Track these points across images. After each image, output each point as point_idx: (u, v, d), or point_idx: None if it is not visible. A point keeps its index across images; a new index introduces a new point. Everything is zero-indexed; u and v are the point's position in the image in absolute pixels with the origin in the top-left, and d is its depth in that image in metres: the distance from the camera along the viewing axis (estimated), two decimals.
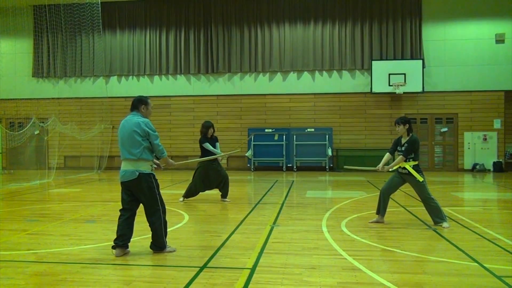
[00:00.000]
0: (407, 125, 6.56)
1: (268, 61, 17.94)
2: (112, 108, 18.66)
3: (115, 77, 18.85)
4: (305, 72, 17.84)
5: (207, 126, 8.97)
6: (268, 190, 11.22)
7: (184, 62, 18.33)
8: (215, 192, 9.28)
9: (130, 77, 18.79)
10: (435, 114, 17.31)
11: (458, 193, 10.87)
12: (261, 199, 9.64)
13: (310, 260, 4.83)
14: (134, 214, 5.20)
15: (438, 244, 5.58)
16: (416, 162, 6.53)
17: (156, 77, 18.65)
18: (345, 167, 8.63)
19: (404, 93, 16.78)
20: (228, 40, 18.11)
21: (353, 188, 11.58)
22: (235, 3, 18.05)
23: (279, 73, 17.99)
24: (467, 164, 17.09)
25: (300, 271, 4.46)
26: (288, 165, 17.37)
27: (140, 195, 5.05)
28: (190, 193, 9.09)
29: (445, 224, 6.42)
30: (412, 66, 16.78)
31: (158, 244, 5.11)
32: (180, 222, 7.03)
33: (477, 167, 16.80)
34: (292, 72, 17.92)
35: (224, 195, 9.10)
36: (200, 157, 9.05)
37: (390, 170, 6.79)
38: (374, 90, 17.01)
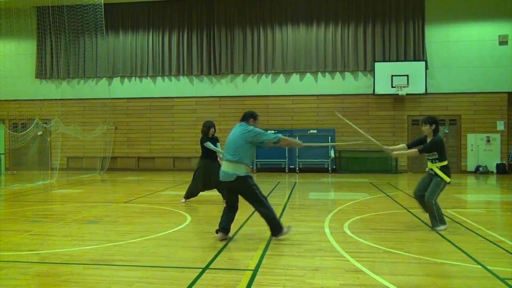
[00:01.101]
0: (434, 125, 6.46)
1: (270, 62, 17.94)
2: (115, 109, 18.69)
3: (118, 78, 18.89)
4: (308, 74, 17.84)
5: (208, 125, 8.98)
6: (271, 192, 11.20)
7: (186, 63, 18.35)
8: (217, 194, 9.27)
9: (133, 78, 18.82)
10: (438, 115, 17.20)
11: (461, 195, 10.84)
12: None
13: (313, 262, 4.81)
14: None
15: (441, 246, 5.55)
16: (444, 163, 6.42)
17: (159, 78, 18.68)
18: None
19: (407, 94, 16.74)
20: (230, 41, 18.12)
21: (356, 190, 11.55)
22: (237, 4, 18.07)
23: (281, 75, 17.99)
24: (470, 166, 17.03)
25: (302, 272, 4.45)
26: (291, 166, 17.36)
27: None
28: (191, 193, 9.09)
29: (439, 228, 6.36)
30: (415, 68, 16.74)
31: (274, 229, 5.70)
32: (182, 223, 7.03)
33: (480, 169, 16.75)
34: (294, 74, 17.91)
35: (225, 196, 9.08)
36: (201, 157, 9.04)
37: (393, 154, 6.72)
38: (377, 91, 16.99)
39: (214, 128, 9.05)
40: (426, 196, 6.43)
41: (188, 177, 14.70)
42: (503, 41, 16.90)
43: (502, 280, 4.19)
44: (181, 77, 18.51)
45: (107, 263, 4.79)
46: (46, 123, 15.86)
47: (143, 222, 7.18)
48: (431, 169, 6.50)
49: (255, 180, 6.00)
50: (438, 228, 6.35)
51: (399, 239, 5.88)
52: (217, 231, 5.84)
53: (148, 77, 18.72)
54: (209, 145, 8.85)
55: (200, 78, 18.43)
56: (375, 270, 4.48)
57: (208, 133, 8.94)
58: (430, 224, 6.59)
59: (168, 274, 4.43)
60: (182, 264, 4.74)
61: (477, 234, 6.20)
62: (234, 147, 5.71)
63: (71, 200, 9.80)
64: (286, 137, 6.01)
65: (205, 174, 8.89)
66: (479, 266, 4.62)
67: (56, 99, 18.40)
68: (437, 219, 6.38)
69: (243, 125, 5.83)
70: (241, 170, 5.64)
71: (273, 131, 17.40)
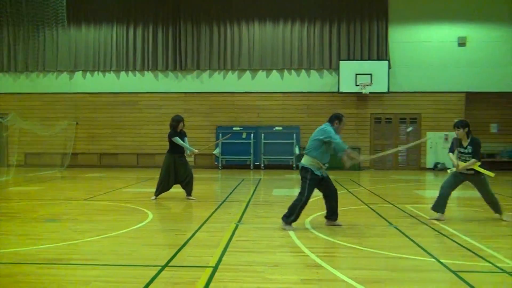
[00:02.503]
0: (467, 128, 6.82)
1: (237, 59, 17.90)
2: (77, 104, 18.19)
3: (80, 72, 18.37)
4: (274, 71, 17.91)
5: (177, 120, 8.88)
6: (235, 188, 11.20)
7: (151, 58, 18.05)
8: (181, 190, 9.19)
9: (96, 72, 18.35)
10: (399, 114, 17.72)
11: (419, 191, 11.16)
12: (227, 197, 9.61)
13: (274, 258, 4.85)
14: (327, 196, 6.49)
15: (399, 241, 5.70)
16: (480, 162, 6.80)
17: (123, 73, 18.30)
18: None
19: (370, 93, 17.08)
20: (197, 37, 17.95)
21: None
22: (204, 0, 17.91)
23: (248, 71, 17.98)
24: (429, 163, 17.58)
25: (263, 268, 4.47)
26: (256, 163, 17.40)
27: None
28: (162, 189, 8.95)
29: (504, 217, 6.84)
30: (378, 67, 17.10)
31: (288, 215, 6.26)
32: (144, 220, 6.92)
33: (438, 165, 17.31)
34: (261, 71, 17.94)
35: (189, 192, 9.01)
36: (168, 152, 8.92)
37: (465, 169, 6.88)
38: (342, 89, 17.25)
39: (183, 123, 8.96)
40: (486, 197, 6.90)
41: (152, 174, 14.51)
42: (461, 43, 17.49)
43: (454, 272, 4.34)
44: (146, 72, 18.20)
45: (63, 262, 4.66)
46: (2, 118, 15.25)
47: (103, 220, 7.04)
48: (471, 169, 6.77)
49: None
50: (504, 218, 6.85)
51: (359, 234, 6.01)
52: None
53: (112, 72, 18.30)
54: (177, 140, 8.75)
55: (166, 74, 18.18)
56: (334, 265, 4.56)
57: (177, 127, 8.84)
58: (388, 220, 6.76)
59: (127, 272, 4.36)
60: (142, 262, 4.67)
61: (432, 228, 6.41)
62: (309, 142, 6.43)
63: (29, 198, 9.47)
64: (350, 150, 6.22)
65: (172, 169, 8.79)
66: (433, 260, 4.78)
67: (13, 93, 17.73)
68: (501, 207, 6.90)
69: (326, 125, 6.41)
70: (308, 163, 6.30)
71: (239, 128, 17.40)
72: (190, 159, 9.79)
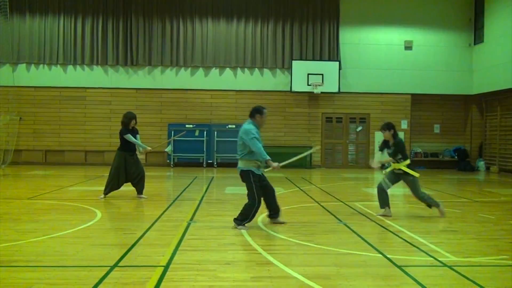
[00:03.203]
0: (392, 130, 7.20)
1: (190, 55, 17.70)
2: (20, 98, 17.29)
3: (24, 65, 17.48)
4: (227, 69, 17.87)
5: (129, 117, 8.68)
6: (187, 186, 11.09)
7: (101, 52, 17.47)
8: (131, 189, 8.97)
9: (41, 65, 17.52)
10: (349, 114, 18.20)
11: (368, 189, 11.53)
12: (179, 195, 9.50)
13: (226, 256, 4.84)
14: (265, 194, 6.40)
15: (348, 237, 5.87)
16: (408, 162, 7.17)
17: (70, 67, 17.59)
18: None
19: (321, 92, 17.43)
20: (148, 31, 17.57)
21: (272, 185, 11.79)
22: None
23: (201, 68, 17.83)
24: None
25: (214, 267, 4.45)
26: (209, 161, 17.30)
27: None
28: (111, 187, 8.68)
29: (440, 207, 7.20)
30: (329, 67, 17.48)
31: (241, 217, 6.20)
32: (91, 220, 6.70)
33: (386, 164, 17.90)
34: (214, 68, 17.85)
35: (140, 191, 8.82)
36: (119, 149, 8.69)
37: (379, 166, 7.84)
38: (294, 89, 17.49)
39: (136, 120, 8.76)
40: (415, 196, 7.26)
41: (101, 172, 14.07)
42: (408, 46, 18.23)
43: (399, 267, 4.52)
44: (94, 66, 17.60)
45: (3, 265, 4.43)
46: None
47: (48, 220, 6.75)
48: (399, 169, 7.18)
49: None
50: (440, 208, 7.19)
51: (310, 232, 6.12)
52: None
53: (58, 65, 17.55)
54: (129, 137, 8.54)
55: (116, 69, 17.67)
56: (285, 262, 4.62)
57: (129, 124, 8.63)
58: (338, 217, 6.95)
59: (72, 274, 4.20)
60: (89, 263, 4.52)
61: (380, 225, 6.64)
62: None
63: None
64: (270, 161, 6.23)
65: (122, 167, 8.56)
66: (380, 255, 4.95)
67: None
68: (433, 202, 7.21)
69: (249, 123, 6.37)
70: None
71: (192, 126, 17.21)
72: (141, 157, 9.56)
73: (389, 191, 7.43)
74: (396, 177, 7.37)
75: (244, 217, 6.20)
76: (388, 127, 7.26)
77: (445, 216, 7.20)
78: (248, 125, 6.28)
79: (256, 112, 6.41)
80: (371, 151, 18.15)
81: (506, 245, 5.60)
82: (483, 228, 6.54)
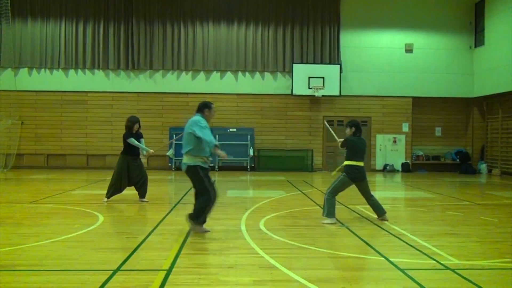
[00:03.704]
0: (353, 128, 7.04)
1: (191, 59, 17.75)
2: (22, 102, 17.35)
3: (25, 69, 17.55)
4: (228, 72, 17.91)
5: (133, 120, 8.73)
6: (189, 190, 11.06)
7: (102, 56, 17.53)
8: (133, 193, 8.98)
9: (43, 69, 17.59)
10: (350, 117, 18.13)
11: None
12: (181, 199, 9.50)
13: (228, 260, 4.84)
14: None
15: (350, 240, 5.86)
16: (348, 162, 6.93)
17: (72, 71, 17.65)
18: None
19: (322, 96, 17.46)
20: (150, 35, 17.63)
21: (273, 188, 11.80)
22: None
23: (202, 72, 17.87)
24: (379, 165, 18.19)
25: (217, 270, 4.45)
26: (210, 164, 17.27)
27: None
28: (114, 191, 8.69)
29: (327, 221, 6.84)
30: (330, 71, 17.51)
31: (195, 216, 5.93)
32: (94, 223, 6.70)
33: (387, 167, 17.95)
34: (215, 72, 17.88)
35: (142, 195, 8.83)
36: (122, 153, 8.73)
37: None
38: (295, 92, 17.52)
39: (139, 124, 8.80)
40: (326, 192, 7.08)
41: (103, 175, 14.09)
42: (409, 49, 18.26)
43: (402, 270, 4.52)
44: (96, 70, 17.65)
45: (6, 269, 4.43)
46: None
47: (50, 224, 6.75)
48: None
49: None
50: (325, 217, 6.88)
51: (312, 235, 6.12)
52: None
53: (60, 69, 17.61)
54: (132, 141, 8.58)
55: (117, 73, 17.72)
56: (288, 266, 4.61)
57: (132, 128, 8.67)
58: (340, 220, 6.94)
59: (75, 277, 4.20)
60: (92, 267, 4.52)
61: (382, 228, 6.63)
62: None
63: None
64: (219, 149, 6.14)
65: (125, 171, 8.58)
66: (383, 259, 4.95)
67: None
68: (327, 209, 6.88)
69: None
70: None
71: None
72: (143, 161, 9.59)
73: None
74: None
75: (199, 214, 5.96)
76: (350, 124, 7.10)
77: (321, 224, 6.83)
78: (197, 117, 6.20)
79: (204, 107, 6.36)
80: (372, 154, 18.16)
81: (508, 248, 5.59)
82: (485, 231, 6.53)
